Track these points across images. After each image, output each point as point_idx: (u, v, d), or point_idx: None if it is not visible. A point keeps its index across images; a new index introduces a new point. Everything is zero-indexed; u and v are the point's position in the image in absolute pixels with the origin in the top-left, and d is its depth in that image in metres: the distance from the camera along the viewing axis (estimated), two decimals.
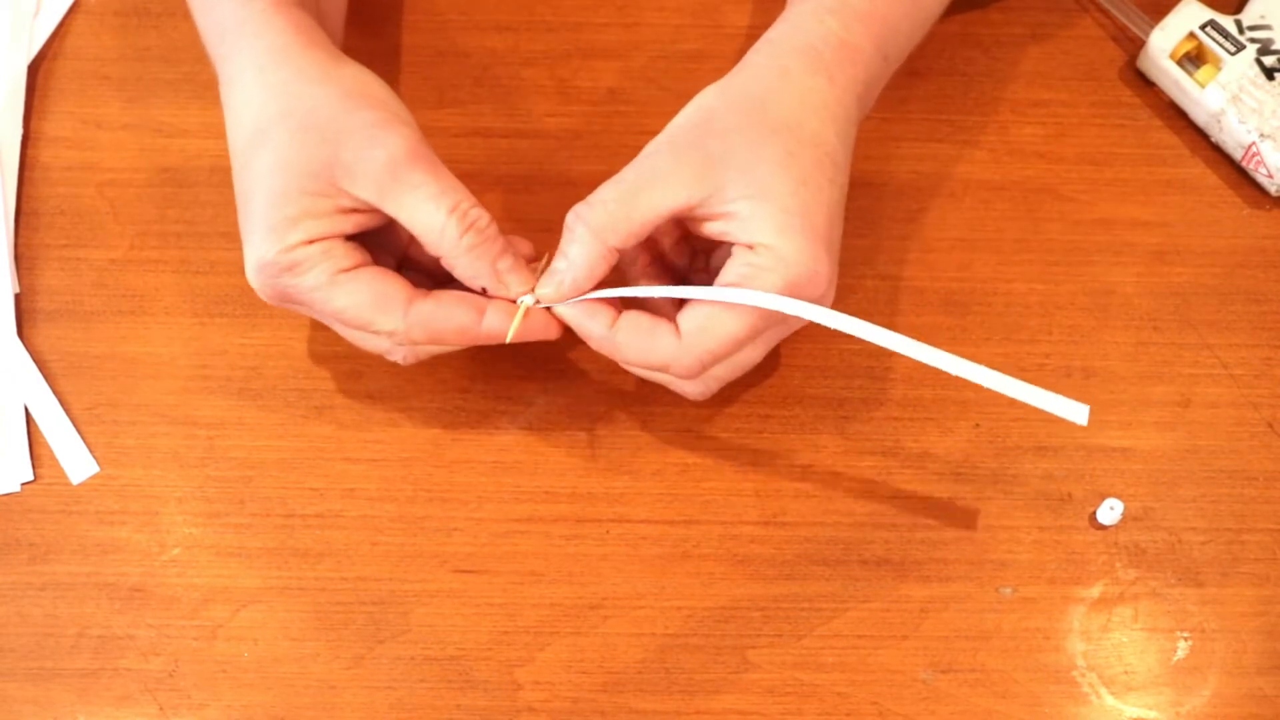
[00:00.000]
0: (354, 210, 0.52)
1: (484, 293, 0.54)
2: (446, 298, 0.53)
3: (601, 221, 0.52)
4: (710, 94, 0.55)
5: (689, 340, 0.52)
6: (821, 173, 0.53)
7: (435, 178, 0.52)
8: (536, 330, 0.54)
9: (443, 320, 0.53)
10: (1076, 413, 0.53)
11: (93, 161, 0.65)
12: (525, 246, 0.56)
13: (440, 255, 0.53)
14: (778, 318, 0.53)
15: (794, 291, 0.52)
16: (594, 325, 0.53)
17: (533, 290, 0.54)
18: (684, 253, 0.58)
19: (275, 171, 0.52)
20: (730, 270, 0.52)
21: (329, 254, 0.52)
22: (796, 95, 0.54)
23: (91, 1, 0.69)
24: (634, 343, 0.53)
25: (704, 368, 0.53)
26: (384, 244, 0.56)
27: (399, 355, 0.55)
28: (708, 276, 0.56)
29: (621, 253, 0.53)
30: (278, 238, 0.52)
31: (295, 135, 0.52)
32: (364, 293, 0.53)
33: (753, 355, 0.55)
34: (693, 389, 0.55)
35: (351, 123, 0.52)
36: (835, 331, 0.61)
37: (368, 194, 0.52)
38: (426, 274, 0.56)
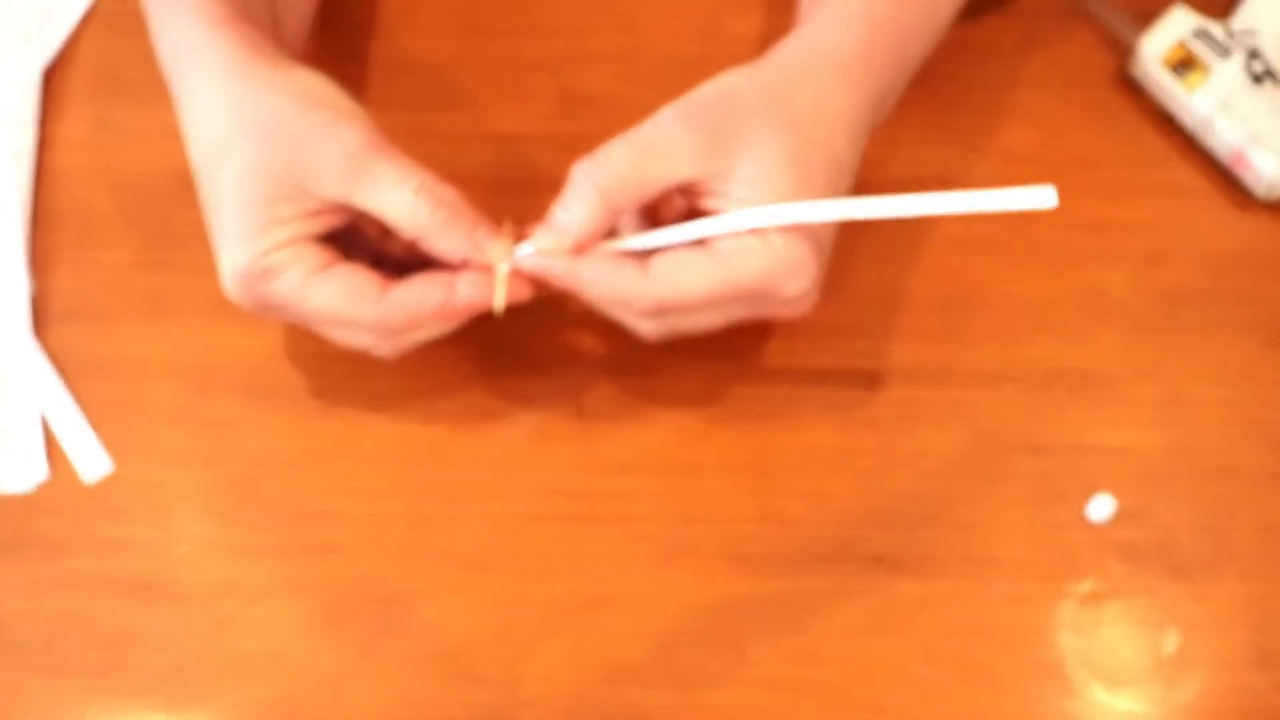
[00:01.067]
0: (320, 212, 0.53)
1: (464, 265, 0.53)
2: (417, 280, 0.53)
3: (610, 183, 0.52)
4: (735, 76, 0.55)
5: (654, 282, 0.52)
6: (825, 177, 0.54)
7: (395, 164, 0.52)
8: (511, 292, 0.54)
9: (416, 301, 0.53)
10: (1043, 197, 0.50)
11: (106, 164, 0.65)
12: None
13: (415, 237, 0.53)
14: (745, 295, 0.53)
15: (772, 279, 0.52)
16: (555, 263, 0.53)
17: (509, 249, 0.53)
18: (674, 213, 0.57)
19: (240, 182, 0.52)
20: (719, 242, 0.53)
21: (300, 257, 0.53)
22: (815, 96, 0.54)
23: (105, 6, 0.69)
24: (598, 276, 0.53)
25: (663, 312, 0.54)
26: (355, 243, 0.56)
27: (384, 349, 0.56)
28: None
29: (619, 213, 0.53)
30: (250, 246, 0.52)
31: (255, 144, 0.52)
32: (338, 290, 0.53)
33: (714, 320, 0.55)
34: (648, 328, 0.56)
35: (305, 125, 0.53)
36: (834, 332, 0.62)
37: (333, 191, 0.52)
38: (401, 267, 0.56)
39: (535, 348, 0.61)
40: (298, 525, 0.59)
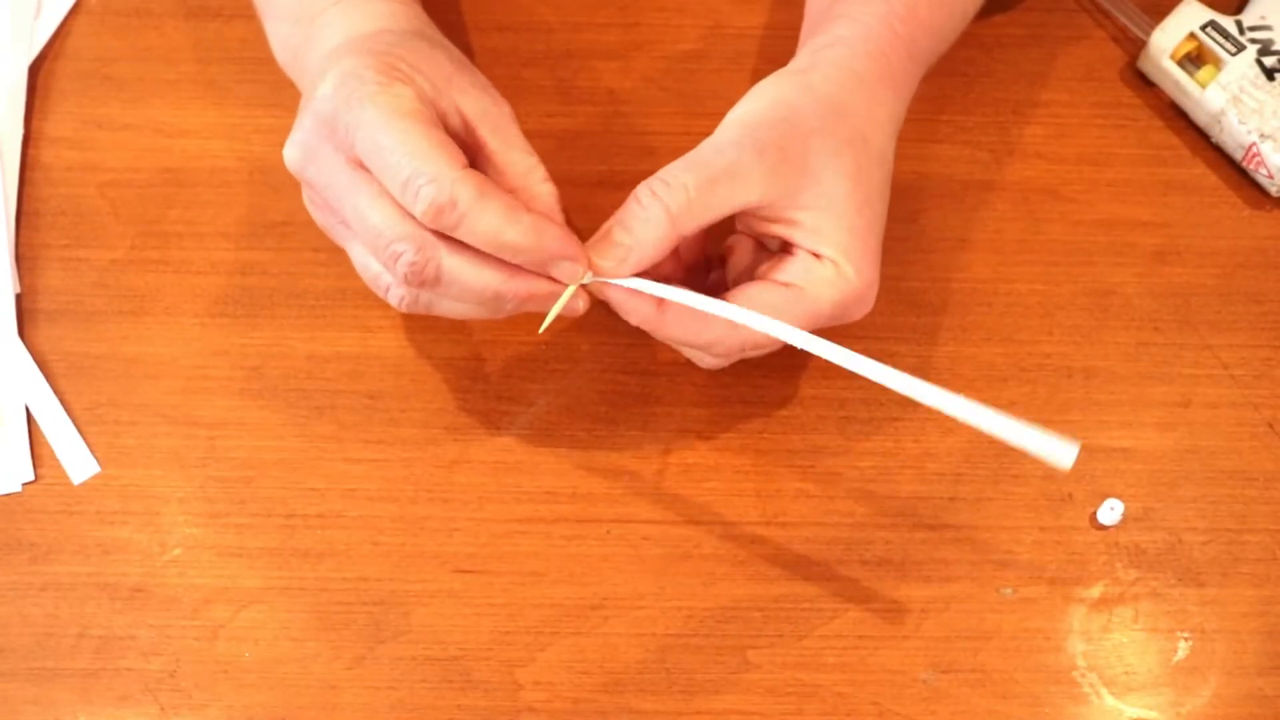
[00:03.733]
0: (437, 106, 0.50)
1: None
2: (504, 200, 0.49)
3: (679, 208, 0.50)
4: (787, 88, 0.54)
5: (740, 328, 0.51)
6: (882, 194, 0.54)
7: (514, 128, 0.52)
8: (567, 307, 0.52)
9: (491, 210, 0.48)
10: (1063, 454, 0.47)
11: (94, 162, 0.65)
12: None
13: (517, 189, 0.51)
14: (820, 324, 0.53)
15: (847, 307, 0.53)
16: (641, 305, 0.52)
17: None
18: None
19: (365, 49, 0.50)
20: (793, 270, 0.52)
21: (407, 92, 0.49)
22: (869, 106, 0.54)
23: (92, 2, 0.69)
24: (683, 324, 0.52)
25: (744, 353, 0.54)
26: None
27: (405, 296, 0.51)
28: (722, 272, 0.57)
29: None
30: (369, 59, 0.49)
31: (393, 35, 0.52)
32: (425, 133, 0.48)
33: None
34: (714, 363, 0.56)
35: (452, 65, 0.51)
36: (838, 332, 0.61)
37: (472, 110, 0.50)
38: None
39: (533, 348, 0.61)
40: (291, 528, 0.58)
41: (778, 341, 0.52)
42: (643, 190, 0.51)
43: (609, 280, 0.51)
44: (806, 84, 0.54)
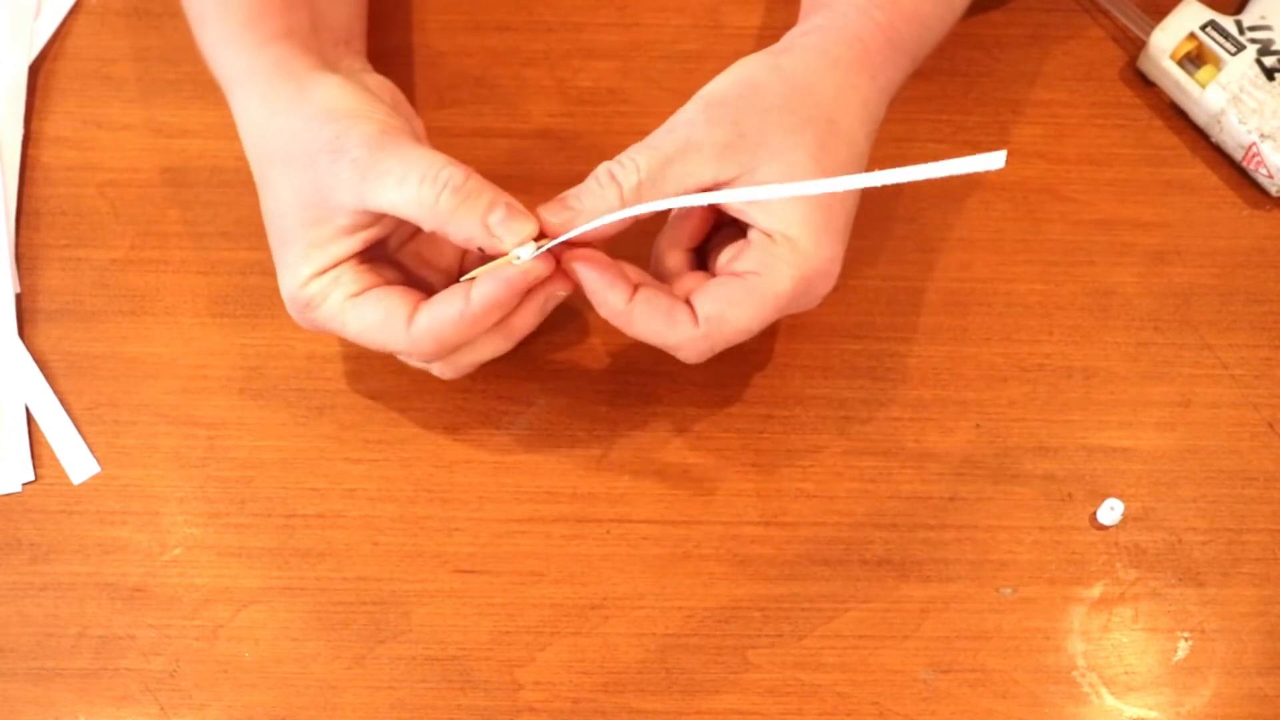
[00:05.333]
0: (354, 227, 0.52)
1: (482, 253, 0.52)
2: (436, 298, 0.53)
3: (631, 187, 0.52)
4: (754, 66, 0.54)
5: (706, 327, 0.52)
6: (848, 172, 0.53)
7: (400, 159, 0.51)
8: (546, 276, 0.53)
9: (438, 321, 0.52)
10: (992, 160, 0.45)
11: (94, 162, 0.65)
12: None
13: (436, 229, 0.52)
14: (786, 306, 0.53)
15: (807, 284, 0.52)
16: (612, 297, 0.53)
17: (536, 239, 0.52)
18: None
19: (279, 212, 0.53)
20: (748, 258, 0.52)
21: (338, 282, 0.53)
22: (839, 89, 0.54)
23: (92, 2, 0.69)
24: (650, 324, 0.53)
25: (715, 351, 0.54)
26: (427, 260, 0.56)
27: (440, 371, 0.56)
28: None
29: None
30: (293, 275, 0.53)
31: (283, 174, 0.53)
32: (370, 315, 0.53)
33: (755, 332, 0.55)
34: (693, 359, 0.55)
35: (318, 144, 0.52)
36: (838, 331, 0.62)
37: (350, 201, 0.52)
38: None
39: (533, 348, 0.61)
40: (291, 528, 0.58)
41: (749, 333, 0.53)
42: (600, 169, 0.53)
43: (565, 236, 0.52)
44: (775, 64, 0.54)
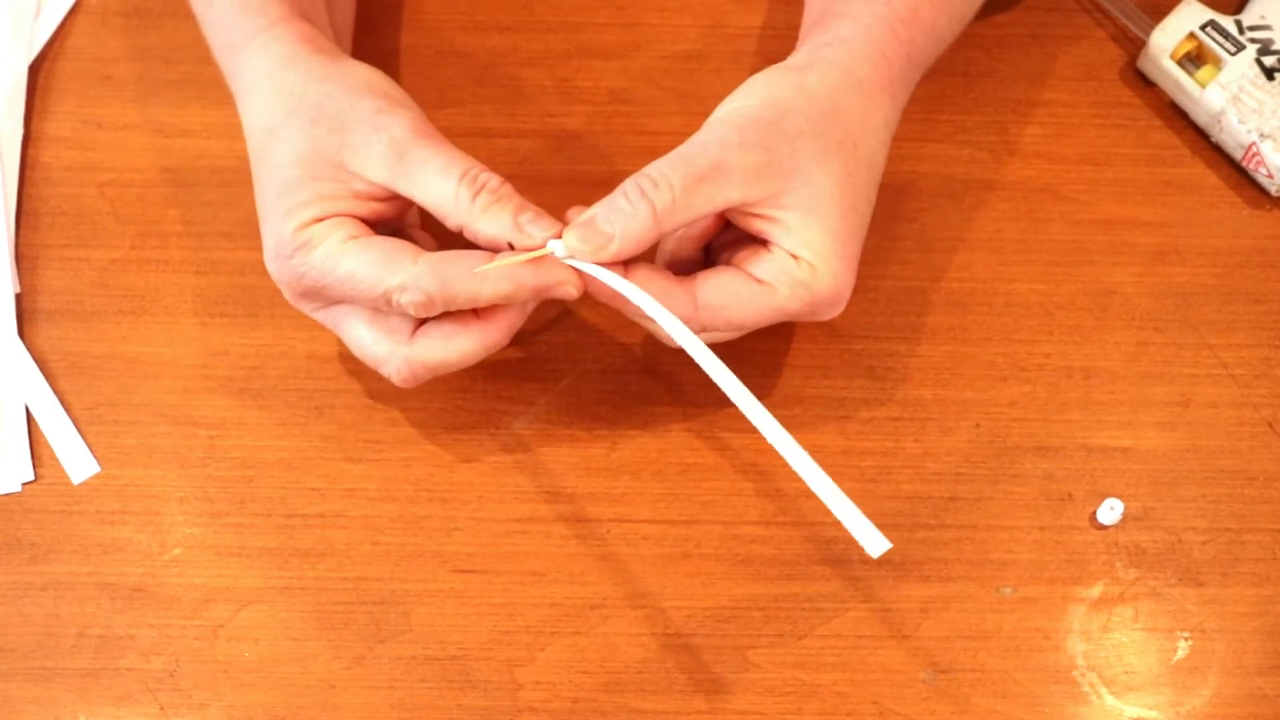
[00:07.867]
0: (366, 196, 0.53)
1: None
2: (457, 250, 0.52)
3: (664, 207, 0.51)
4: (780, 85, 0.54)
5: (704, 311, 0.53)
6: (868, 198, 0.54)
7: (440, 151, 0.52)
8: (559, 282, 0.52)
9: (453, 262, 0.51)
10: (874, 544, 0.50)
11: (94, 161, 0.65)
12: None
13: (460, 227, 0.52)
14: (789, 318, 0.54)
15: (816, 308, 0.53)
16: (612, 273, 0.52)
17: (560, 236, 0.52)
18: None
19: (288, 163, 0.53)
20: (766, 267, 0.52)
21: (340, 225, 0.52)
22: (863, 111, 0.54)
23: (92, 2, 0.69)
24: (649, 290, 0.52)
25: (706, 332, 0.54)
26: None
27: (393, 367, 0.54)
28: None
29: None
30: (291, 218, 0.52)
31: (304, 128, 0.53)
32: (372, 252, 0.52)
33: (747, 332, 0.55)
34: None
35: (357, 112, 0.53)
36: (838, 331, 0.62)
37: (380, 176, 0.52)
38: None
39: (533, 348, 0.61)
40: (291, 527, 0.58)
41: (744, 330, 0.54)
42: (630, 185, 0.52)
43: (576, 264, 0.52)
44: (801, 84, 0.54)
